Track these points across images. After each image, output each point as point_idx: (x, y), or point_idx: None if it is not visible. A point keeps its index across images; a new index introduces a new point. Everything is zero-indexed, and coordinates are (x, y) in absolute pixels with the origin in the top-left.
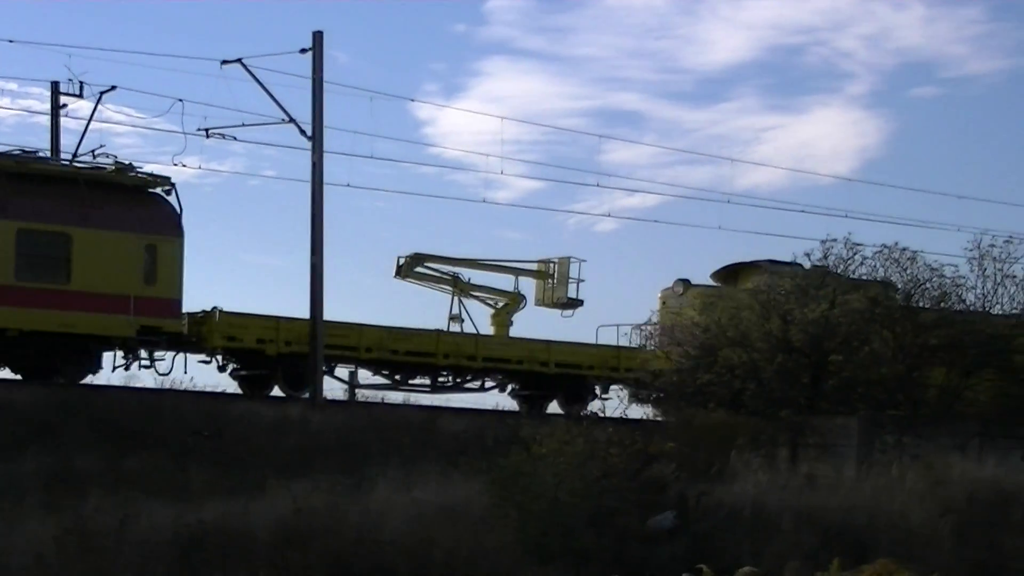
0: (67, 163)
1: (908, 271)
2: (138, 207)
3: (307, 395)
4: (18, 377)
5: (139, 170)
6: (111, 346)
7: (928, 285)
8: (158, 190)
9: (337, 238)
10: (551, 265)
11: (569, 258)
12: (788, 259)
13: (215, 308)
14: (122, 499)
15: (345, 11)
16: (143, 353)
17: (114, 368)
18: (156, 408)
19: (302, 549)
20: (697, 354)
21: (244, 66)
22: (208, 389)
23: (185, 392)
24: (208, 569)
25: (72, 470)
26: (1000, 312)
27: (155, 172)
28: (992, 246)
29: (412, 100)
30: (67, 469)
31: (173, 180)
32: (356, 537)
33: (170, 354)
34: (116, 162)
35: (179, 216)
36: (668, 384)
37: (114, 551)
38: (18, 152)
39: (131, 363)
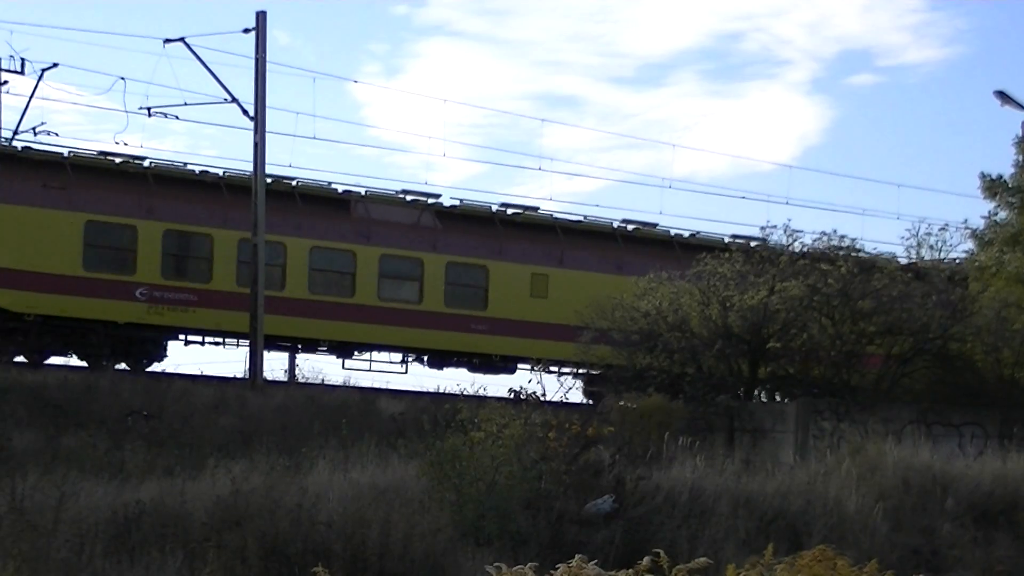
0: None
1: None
2: None
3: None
4: None
5: None
6: None
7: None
8: None
9: None
10: None
11: None
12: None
13: None
14: (59, 478)
15: None
16: None
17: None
18: (93, 387)
19: (239, 529)
20: (637, 338)
21: (187, 45)
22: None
23: (122, 371)
24: (145, 548)
25: (9, 448)
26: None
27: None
28: (928, 234)
29: (355, 81)
30: (3, 447)
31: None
32: (293, 518)
33: None
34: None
35: None
36: (609, 367)
37: (51, 530)
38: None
39: None
